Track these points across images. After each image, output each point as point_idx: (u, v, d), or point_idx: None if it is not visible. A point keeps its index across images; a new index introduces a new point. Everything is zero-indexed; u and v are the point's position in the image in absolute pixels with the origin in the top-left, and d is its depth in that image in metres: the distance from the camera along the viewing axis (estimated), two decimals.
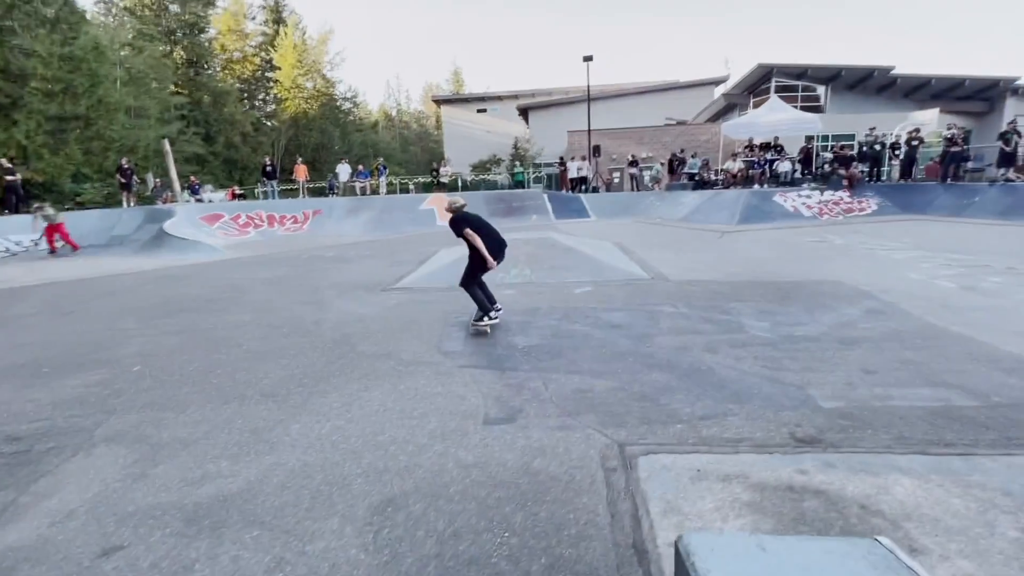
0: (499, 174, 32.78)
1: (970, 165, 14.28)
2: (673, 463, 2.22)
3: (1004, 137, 12.52)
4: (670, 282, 5.93)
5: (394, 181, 25.86)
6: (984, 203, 11.89)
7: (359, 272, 7.61)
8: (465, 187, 24.62)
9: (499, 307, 4.33)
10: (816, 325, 4.10)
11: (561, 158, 22.43)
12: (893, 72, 24.80)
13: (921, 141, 15.13)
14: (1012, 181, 12.22)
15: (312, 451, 2.46)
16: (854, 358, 3.36)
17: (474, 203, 17.19)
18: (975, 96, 24.11)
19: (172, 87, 31.18)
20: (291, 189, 24.77)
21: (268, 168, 19.83)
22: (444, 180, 21.90)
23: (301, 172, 20.05)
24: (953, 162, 13.60)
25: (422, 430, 2.61)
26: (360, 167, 21.79)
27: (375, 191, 20.74)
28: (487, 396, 2.98)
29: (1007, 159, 12.43)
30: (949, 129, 14.13)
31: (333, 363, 3.63)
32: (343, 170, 20.55)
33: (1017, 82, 22.69)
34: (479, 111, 42.91)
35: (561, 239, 7.70)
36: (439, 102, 46.95)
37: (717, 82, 39.18)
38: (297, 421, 2.78)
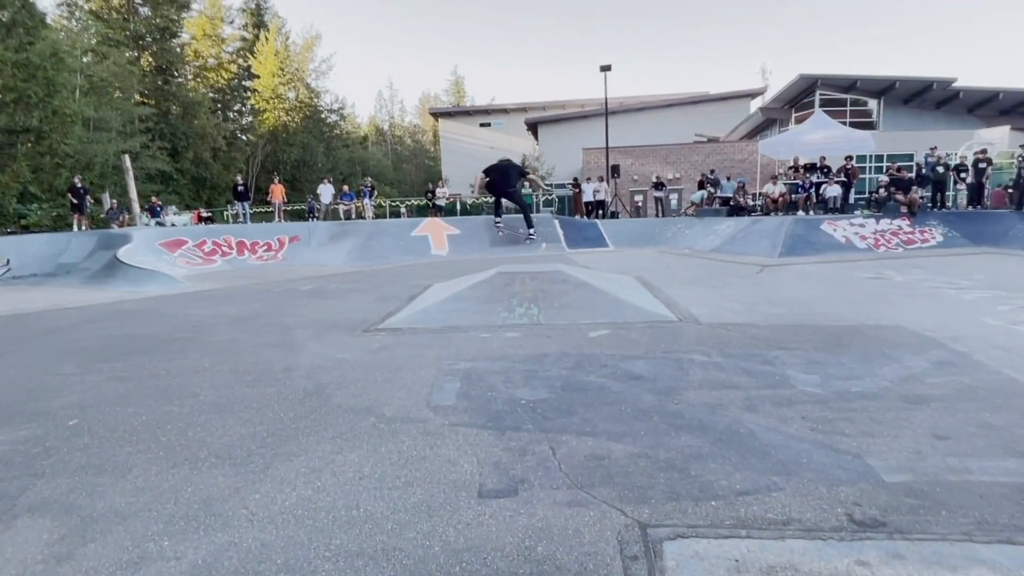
0: None
1: None
2: (706, 550, 2.14)
3: None
4: (702, 325, 5.89)
5: (384, 203, 26.33)
6: None
7: (339, 309, 7.64)
8: (465, 211, 24.96)
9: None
10: (875, 379, 4.03)
11: (575, 179, 22.76)
12: (955, 85, 25.29)
13: (990, 163, 15.26)
14: None
15: (273, 528, 2.39)
16: (922, 420, 3.28)
17: (474, 229, 17.50)
18: None
19: (137, 96, 32.20)
20: (266, 212, 25.20)
21: (240, 187, 20.22)
22: (441, 203, 22.23)
23: (278, 192, 20.43)
24: None
25: (405, 503, 2.54)
26: (345, 187, 22.23)
27: (361, 215, 21.04)
28: (483, 462, 2.91)
29: None
30: (1023, 148, 14.27)
31: (303, 418, 3.58)
32: (326, 190, 20.92)
33: None
34: (482, 125, 44.00)
35: (574, 272, 7.70)
36: (437, 115, 48.25)
37: (753, 94, 40.13)
38: (257, 490, 2.72)
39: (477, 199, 29.73)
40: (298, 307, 7.93)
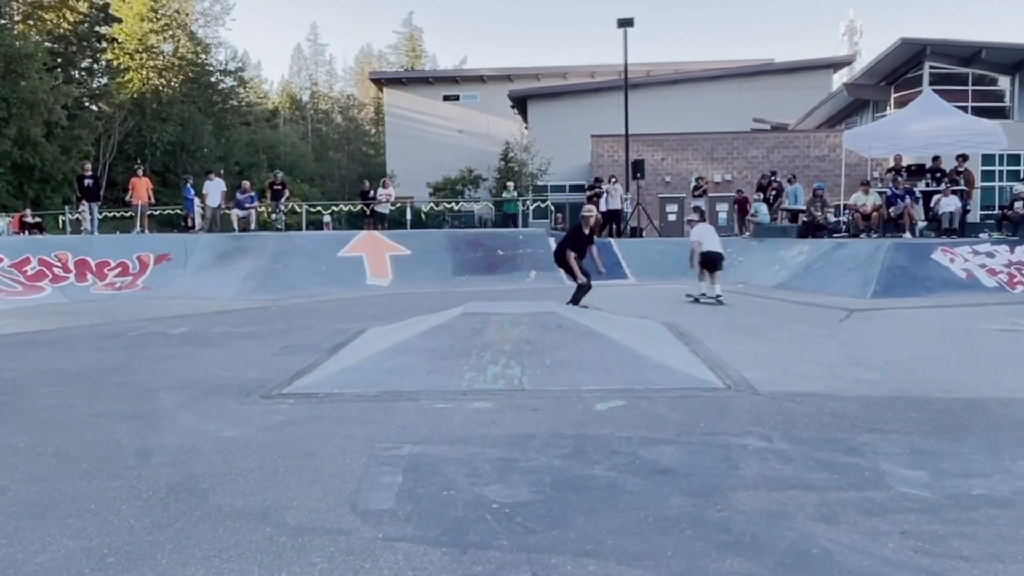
0: (476, 201, 33.56)
1: None
2: None
3: None
4: (759, 396, 5.93)
5: (299, 208, 26.32)
6: None
7: (226, 364, 7.53)
8: (419, 221, 25.11)
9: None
10: (1006, 477, 4.09)
11: (597, 180, 22.82)
12: None
13: None
14: None
15: None
16: None
17: (431, 249, 17.57)
18: None
19: None
20: (123, 217, 25.09)
21: (88, 181, 20.08)
22: (383, 210, 22.27)
23: (142, 189, 20.29)
24: None
25: None
26: (245, 183, 22.15)
27: (266, 224, 20.99)
28: None
29: None
30: None
31: (165, 527, 3.51)
32: (214, 188, 20.81)
33: None
34: (447, 99, 44.74)
35: (575, 315, 7.74)
36: (382, 83, 48.94)
37: (837, 65, 41.57)
38: None
39: (436, 205, 30.04)
40: (164, 360, 7.79)
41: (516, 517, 3.60)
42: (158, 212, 23.47)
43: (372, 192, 22.82)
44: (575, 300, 10.43)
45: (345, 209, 27.83)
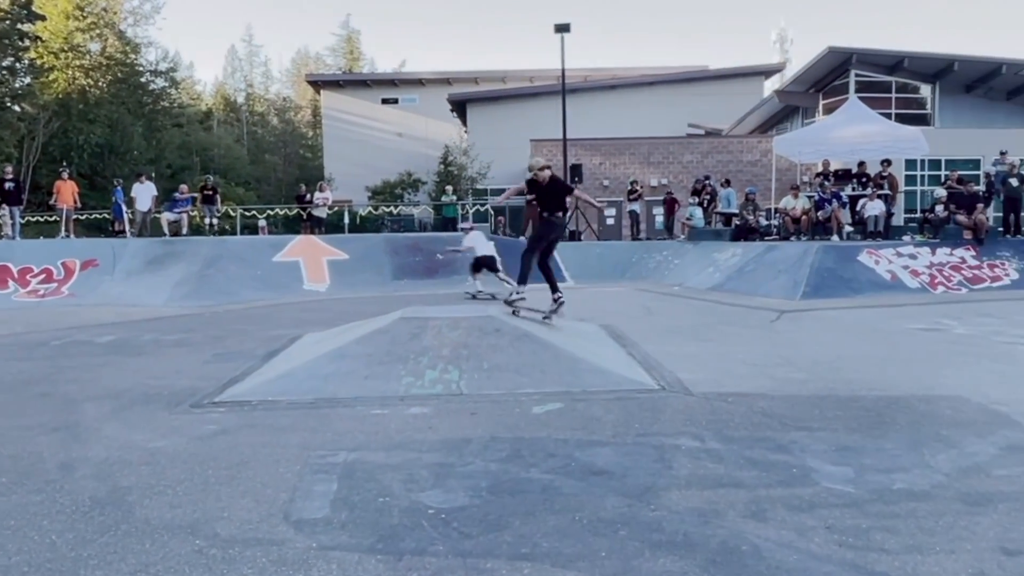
0: (416, 204, 33.42)
1: None
2: None
3: None
4: (693, 396, 6.03)
5: (233, 212, 25.82)
6: None
7: (156, 372, 7.37)
8: (357, 225, 24.87)
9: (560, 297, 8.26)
10: (926, 472, 4.24)
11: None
12: None
13: None
14: None
15: None
16: (987, 528, 3.46)
17: (369, 253, 17.42)
18: None
19: None
20: (47, 222, 24.23)
21: (9, 184, 19.41)
22: (320, 213, 22.03)
23: (67, 193, 19.76)
24: None
25: None
26: (184, 187, 21.82)
27: (198, 229, 20.53)
28: None
29: None
30: None
31: (89, 542, 3.40)
32: (144, 191, 20.34)
33: None
34: (386, 102, 44.44)
35: (513, 320, 7.76)
36: (319, 85, 48.35)
37: (769, 72, 42.65)
38: None
39: (375, 209, 29.79)
40: (90, 369, 7.58)
41: (452, 522, 3.60)
42: (85, 216, 22.76)
43: (309, 196, 22.53)
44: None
45: (281, 213, 27.41)
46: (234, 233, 23.53)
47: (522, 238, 21.43)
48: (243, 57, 77.02)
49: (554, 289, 8.41)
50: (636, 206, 22.47)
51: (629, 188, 23.02)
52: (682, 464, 4.40)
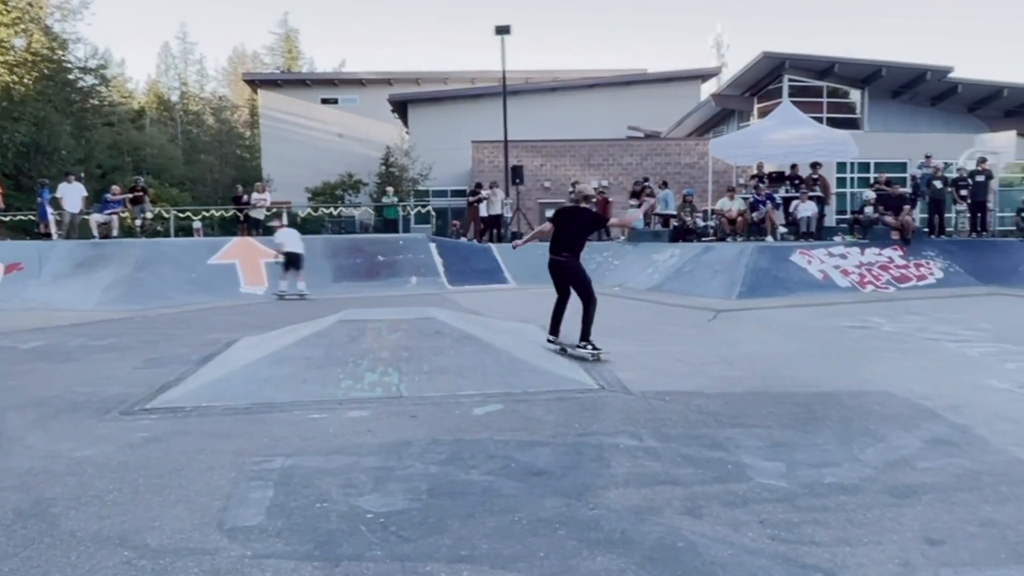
0: (357, 206, 33.09)
1: None
2: None
3: None
4: (631, 395, 6.11)
5: (166, 214, 25.16)
6: None
7: (84, 379, 7.18)
8: (297, 227, 24.41)
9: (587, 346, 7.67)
10: (855, 465, 4.38)
11: (478, 185, 22.99)
12: (952, 76, 28.71)
13: (989, 176, 17.34)
14: None
15: None
16: (912, 519, 3.59)
17: (308, 254, 17.16)
18: None
19: None
20: None
21: None
22: (258, 215, 21.66)
23: None
24: None
25: None
26: (116, 188, 21.27)
27: (130, 231, 19.97)
28: None
29: None
30: None
31: (11, 556, 3.29)
32: (72, 192, 19.69)
33: None
34: (325, 102, 43.94)
35: (454, 321, 7.74)
36: (256, 84, 47.51)
37: (706, 76, 43.42)
38: None
39: (315, 211, 29.41)
40: (14, 376, 7.35)
41: (391, 526, 3.58)
42: (8, 218, 21.89)
43: (246, 197, 22.13)
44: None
45: (217, 215, 26.79)
46: (168, 235, 22.94)
47: (463, 239, 21.44)
48: (177, 55, 75.11)
49: (582, 337, 7.68)
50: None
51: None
52: (620, 463, 4.45)
